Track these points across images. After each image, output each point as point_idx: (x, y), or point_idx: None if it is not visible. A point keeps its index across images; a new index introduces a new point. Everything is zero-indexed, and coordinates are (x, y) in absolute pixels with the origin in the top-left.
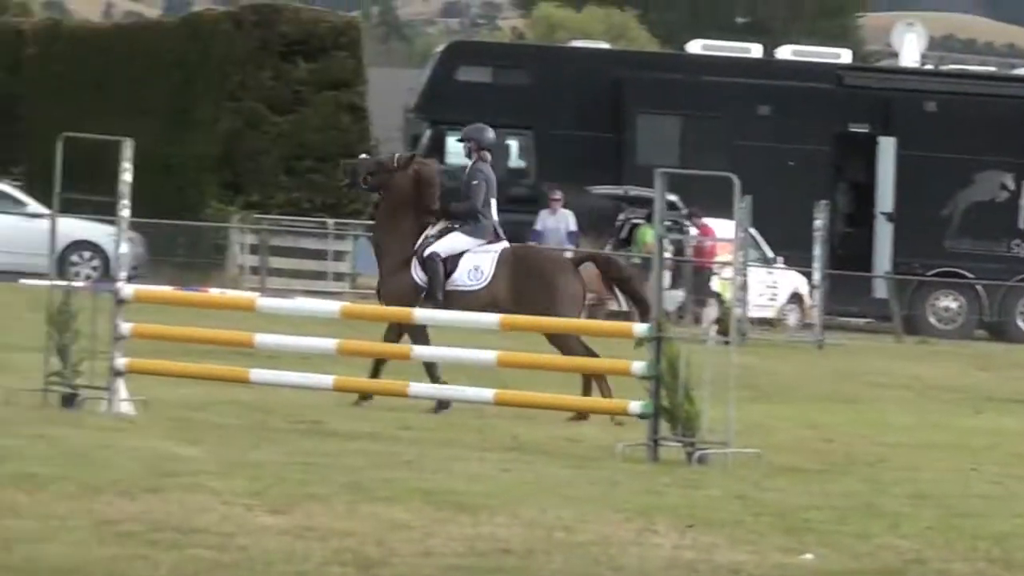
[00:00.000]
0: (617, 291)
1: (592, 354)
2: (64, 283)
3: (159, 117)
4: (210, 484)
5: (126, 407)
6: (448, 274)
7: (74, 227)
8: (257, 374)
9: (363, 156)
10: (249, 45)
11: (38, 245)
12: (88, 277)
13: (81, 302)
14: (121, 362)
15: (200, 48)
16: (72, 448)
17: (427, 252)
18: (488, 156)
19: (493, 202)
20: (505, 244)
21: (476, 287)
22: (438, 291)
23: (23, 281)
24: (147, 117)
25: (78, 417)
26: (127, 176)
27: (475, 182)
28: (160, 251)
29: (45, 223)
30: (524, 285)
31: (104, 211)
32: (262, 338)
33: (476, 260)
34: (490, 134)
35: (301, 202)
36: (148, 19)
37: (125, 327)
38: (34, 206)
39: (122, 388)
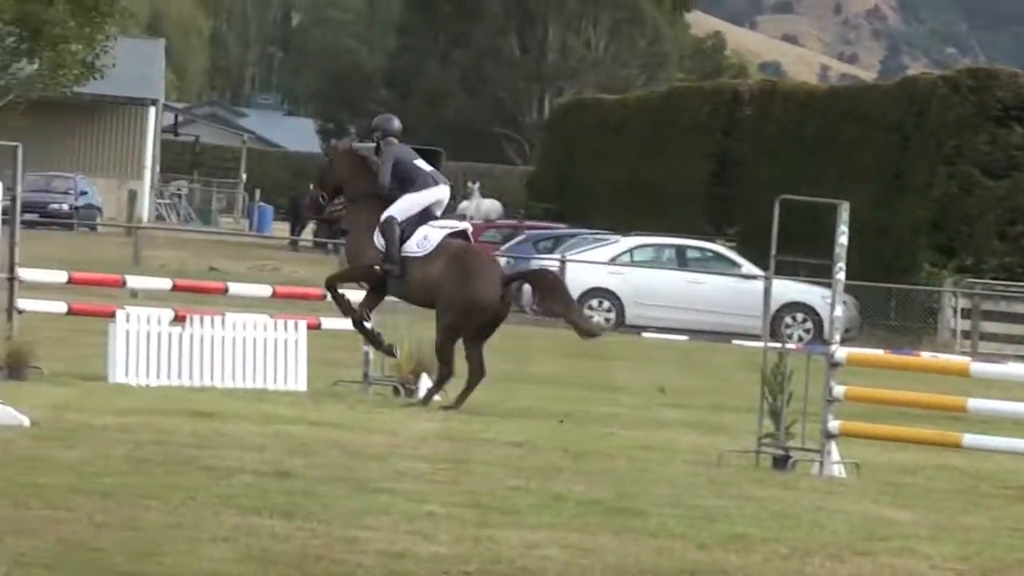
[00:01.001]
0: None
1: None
2: (777, 345)
3: (873, 180)
4: (920, 549)
5: (838, 470)
6: (403, 240)
7: (788, 289)
8: (970, 439)
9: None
10: (965, 110)
11: (752, 306)
12: (801, 339)
13: (794, 364)
14: (834, 424)
15: (915, 112)
16: (783, 510)
17: (383, 216)
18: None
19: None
20: (464, 226)
21: (420, 254)
22: (394, 252)
23: (736, 342)
24: (861, 180)
25: (789, 479)
26: (843, 239)
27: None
28: (872, 314)
29: (759, 284)
30: (448, 271)
31: (818, 273)
32: (975, 403)
33: (428, 231)
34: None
35: (1014, 267)
36: (864, 82)
37: (838, 390)
38: (748, 267)
39: (834, 450)
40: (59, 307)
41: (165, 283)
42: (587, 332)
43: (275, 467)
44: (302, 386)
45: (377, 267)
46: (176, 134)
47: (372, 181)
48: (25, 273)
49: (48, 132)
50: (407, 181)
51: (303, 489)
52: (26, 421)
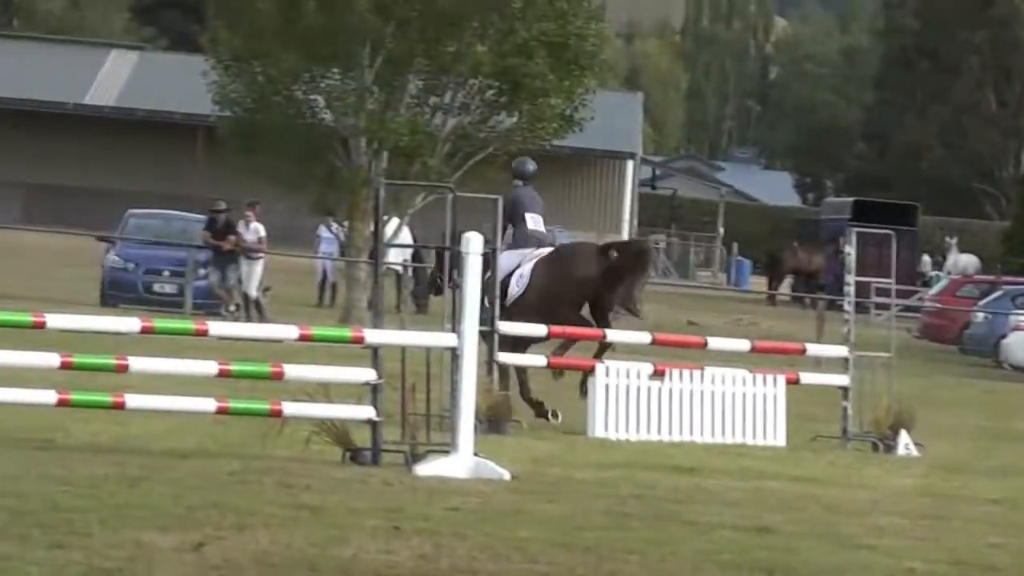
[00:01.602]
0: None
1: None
2: None
3: None
4: None
5: None
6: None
7: None
8: None
9: None
10: None
11: None
12: None
13: None
14: None
15: None
16: None
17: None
18: (519, 183)
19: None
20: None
21: (521, 291)
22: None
23: None
24: None
25: None
26: None
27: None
28: None
29: None
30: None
31: None
32: None
33: (520, 270)
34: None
35: None
36: None
37: None
38: None
39: None
40: (539, 360)
41: (644, 337)
42: (628, 309)
43: (755, 522)
44: (781, 441)
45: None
46: (654, 187)
47: None
48: (506, 326)
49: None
50: (512, 222)
51: (783, 545)
52: (506, 475)
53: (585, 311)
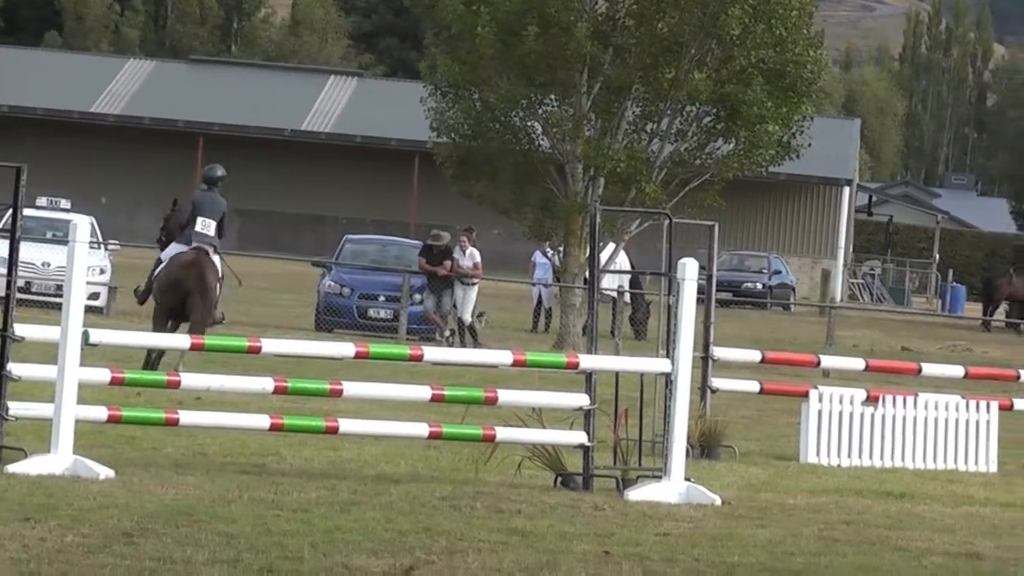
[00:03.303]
0: None
1: None
2: None
3: None
4: None
5: None
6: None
7: None
8: None
9: None
10: None
11: None
12: None
13: None
14: None
15: None
16: None
17: None
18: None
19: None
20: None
21: None
22: None
23: None
24: None
25: None
26: None
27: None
28: None
29: None
30: None
31: None
32: None
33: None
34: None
35: None
36: None
37: None
38: None
39: None
40: (752, 386)
41: (858, 363)
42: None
43: (965, 549)
44: (993, 467)
45: None
46: (870, 214)
47: None
48: (719, 352)
49: (742, 211)
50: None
51: (993, 571)
52: (717, 500)
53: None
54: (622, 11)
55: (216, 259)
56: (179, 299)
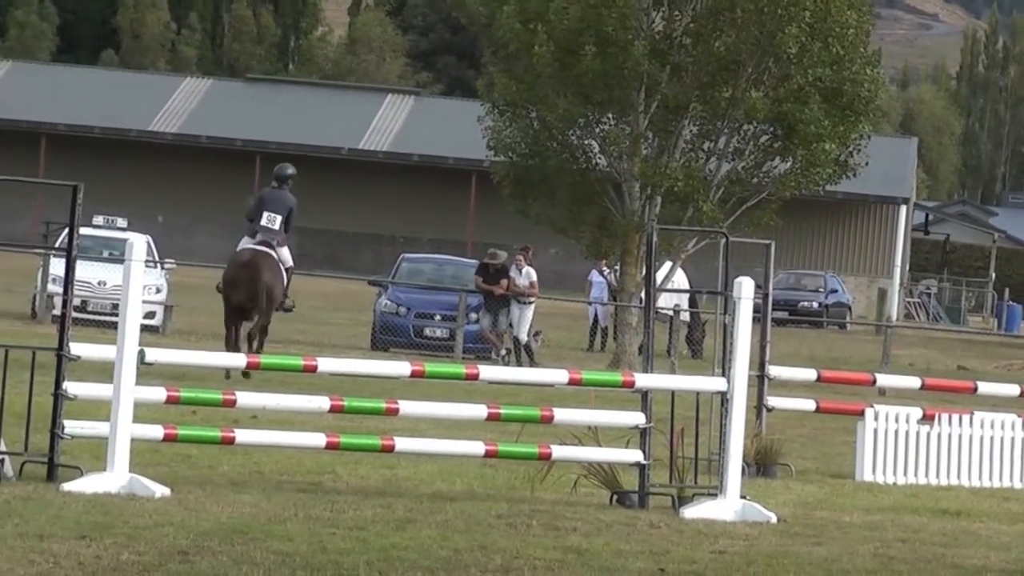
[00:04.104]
0: None
1: None
2: None
3: None
4: None
5: None
6: None
7: None
8: None
9: None
10: None
11: None
12: None
13: None
14: None
15: None
16: None
17: None
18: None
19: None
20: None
21: None
22: None
23: None
24: None
25: None
26: None
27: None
28: None
29: None
30: None
31: None
32: None
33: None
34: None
35: None
36: None
37: None
38: None
39: None
40: (808, 404)
41: (914, 381)
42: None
43: (1021, 566)
44: None
45: None
46: (926, 232)
47: None
48: (775, 370)
49: (799, 230)
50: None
51: None
52: (773, 518)
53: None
54: (679, 29)
55: (283, 251)
56: (240, 297)
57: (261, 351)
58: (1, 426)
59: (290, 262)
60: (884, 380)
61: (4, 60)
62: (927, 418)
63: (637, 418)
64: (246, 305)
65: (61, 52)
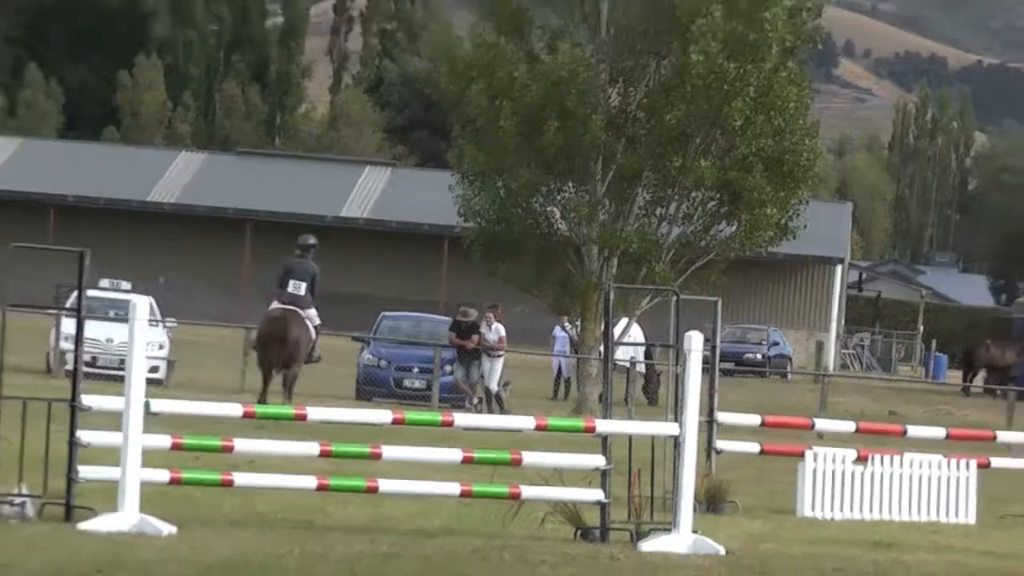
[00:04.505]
0: None
1: None
2: None
3: None
4: None
5: None
6: None
7: None
8: None
9: None
10: None
11: None
12: None
13: None
14: None
15: None
16: None
17: None
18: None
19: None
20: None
21: None
22: None
23: None
24: None
25: None
26: None
27: None
28: None
29: None
30: None
31: None
32: None
33: None
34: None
35: None
36: None
37: None
38: None
39: None
40: (753, 447)
41: (849, 426)
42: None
43: None
44: (972, 519)
45: None
46: (860, 290)
47: None
48: (723, 416)
49: (743, 287)
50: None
51: None
52: (722, 551)
53: None
54: (633, 104)
55: (311, 311)
56: (271, 348)
57: (291, 398)
58: (22, 471)
59: (317, 321)
60: (822, 424)
61: (15, 137)
62: (861, 459)
63: (598, 460)
64: (276, 357)
65: (67, 129)
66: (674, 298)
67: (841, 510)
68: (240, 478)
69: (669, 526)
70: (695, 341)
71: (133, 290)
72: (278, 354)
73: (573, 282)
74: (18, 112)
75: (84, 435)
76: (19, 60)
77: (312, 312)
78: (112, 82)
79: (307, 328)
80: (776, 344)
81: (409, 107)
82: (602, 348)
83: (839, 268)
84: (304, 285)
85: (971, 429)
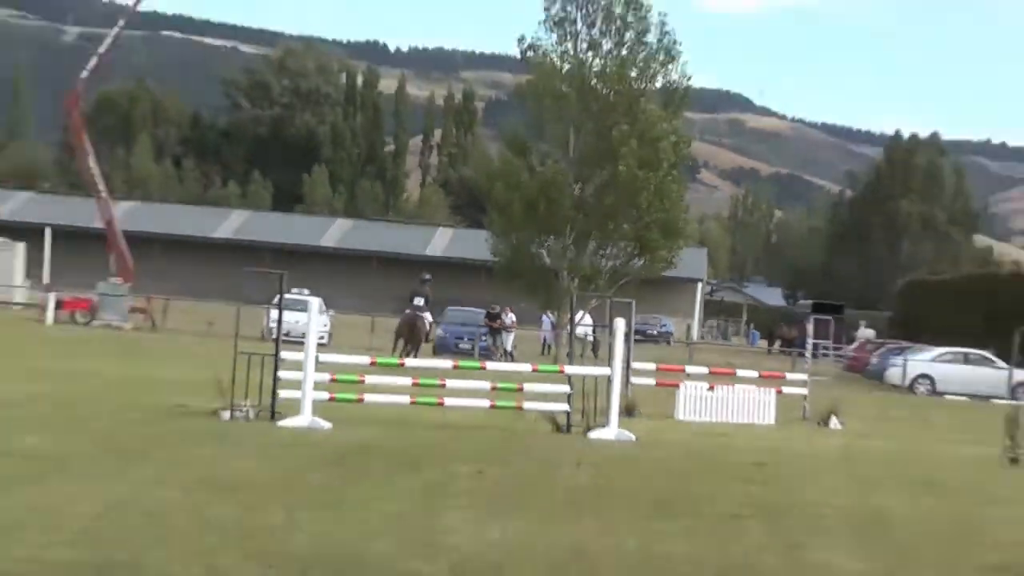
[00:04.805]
0: None
1: None
2: (1014, 402)
3: None
4: None
5: None
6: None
7: (1018, 374)
8: None
9: None
10: None
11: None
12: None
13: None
14: None
15: None
16: None
17: None
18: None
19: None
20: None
21: None
22: None
23: (994, 401)
24: None
25: None
26: None
27: None
28: None
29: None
30: None
31: None
32: None
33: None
34: (424, 276)
35: None
36: None
37: None
38: (1000, 363)
39: None
40: (651, 381)
41: (704, 370)
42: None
43: (754, 459)
44: (772, 421)
45: None
46: (711, 295)
47: None
48: (636, 364)
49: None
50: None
51: (771, 471)
52: (634, 438)
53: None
54: (588, 193)
55: (426, 314)
56: (405, 332)
57: (413, 355)
58: (247, 393)
59: (430, 319)
60: (690, 369)
61: (243, 211)
62: (711, 388)
63: (565, 388)
64: (407, 337)
65: (274, 206)
66: (608, 301)
67: (699, 416)
68: (368, 397)
69: (604, 424)
70: (620, 324)
71: (310, 294)
72: (409, 334)
73: (554, 292)
74: (247, 195)
75: (283, 374)
76: (248, 166)
77: (428, 315)
78: (297, 182)
79: (425, 322)
80: (664, 326)
81: (463, 196)
82: (568, 328)
83: (699, 284)
84: (422, 300)
85: (771, 372)
